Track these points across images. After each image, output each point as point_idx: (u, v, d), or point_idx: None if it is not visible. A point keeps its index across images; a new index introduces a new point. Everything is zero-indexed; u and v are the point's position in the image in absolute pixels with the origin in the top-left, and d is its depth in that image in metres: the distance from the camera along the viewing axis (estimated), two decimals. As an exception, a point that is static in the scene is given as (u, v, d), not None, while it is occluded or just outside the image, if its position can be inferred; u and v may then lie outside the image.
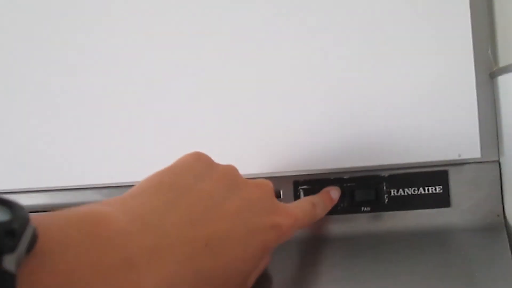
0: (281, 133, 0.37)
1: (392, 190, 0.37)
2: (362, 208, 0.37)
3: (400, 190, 0.37)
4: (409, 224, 0.37)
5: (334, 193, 0.37)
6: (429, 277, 0.30)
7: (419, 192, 0.37)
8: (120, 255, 0.20)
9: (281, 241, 0.29)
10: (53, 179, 0.40)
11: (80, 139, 0.40)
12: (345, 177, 0.37)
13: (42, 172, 0.40)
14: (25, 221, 0.17)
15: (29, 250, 0.17)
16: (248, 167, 0.36)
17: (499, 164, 0.36)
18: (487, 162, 0.36)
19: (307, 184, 0.38)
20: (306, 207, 0.33)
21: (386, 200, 0.37)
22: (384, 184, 0.37)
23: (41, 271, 0.17)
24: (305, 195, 0.37)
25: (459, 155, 0.35)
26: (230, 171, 0.28)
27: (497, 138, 0.36)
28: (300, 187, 0.38)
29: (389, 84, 0.36)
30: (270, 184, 0.29)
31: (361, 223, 0.37)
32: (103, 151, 0.39)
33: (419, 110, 0.35)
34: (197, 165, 0.27)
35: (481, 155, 0.35)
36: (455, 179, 0.37)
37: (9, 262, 0.16)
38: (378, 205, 0.37)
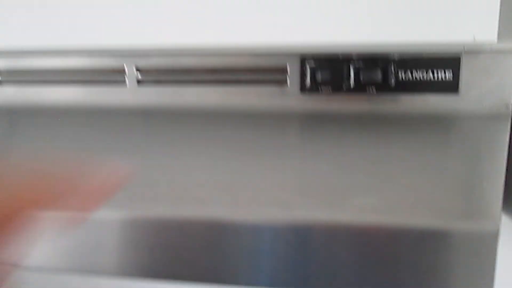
0: (291, 5, 0.36)
1: (400, 72, 0.36)
2: (368, 89, 0.36)
3: (409, 72, 0.36)
4: (415, 108, 0.36)
5: None
6: (426, 157, 0.30)
7: (428, 76, 0.36)
8: None
9: None
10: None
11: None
12: (353, 56, 0.36)
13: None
14: None
15: None
16: (257, 38, 0.36)
17: (515, 54, 0.35)
18: (502, 52, 0.35)
19: (314, 60, 0.37)
20: None
21: (394, 82, 0.36)
22: (393, 65, 0.36)
23: None
24: (311, 71, 0.37)
25: (474, 38, 0.34)
26: None
27: (517, 26, 0.35)
28: (307, 63, 0.37)
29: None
30: None
31: (365, 104, 0.37)
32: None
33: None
34: None
35: (498, 41, 0.34)
36: (467, 66, 0.36)
37: None
38: (384, 86, 0.36)
